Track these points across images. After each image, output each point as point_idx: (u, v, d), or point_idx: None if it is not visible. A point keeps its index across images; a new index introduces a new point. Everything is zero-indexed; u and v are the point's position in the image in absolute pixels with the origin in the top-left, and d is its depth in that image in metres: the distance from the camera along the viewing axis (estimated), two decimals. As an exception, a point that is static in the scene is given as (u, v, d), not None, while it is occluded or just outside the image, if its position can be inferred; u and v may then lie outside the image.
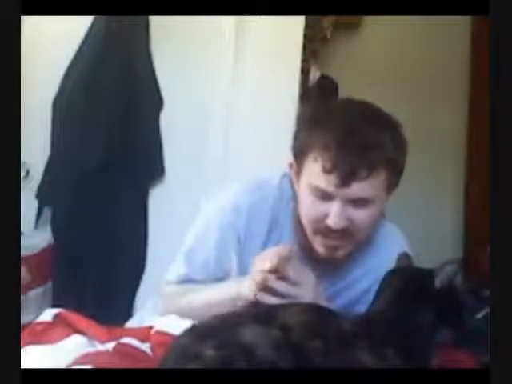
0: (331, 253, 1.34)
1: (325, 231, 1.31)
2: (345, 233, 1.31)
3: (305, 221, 1.35)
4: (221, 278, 1.42)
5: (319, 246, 1.34)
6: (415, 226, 3.07)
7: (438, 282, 1.07)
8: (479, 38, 3.20)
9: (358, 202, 1.28)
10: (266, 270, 1.25)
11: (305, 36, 2.41)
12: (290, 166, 1.39)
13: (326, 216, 1.29)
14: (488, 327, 0.97)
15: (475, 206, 3.23)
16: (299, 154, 1.33)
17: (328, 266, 1.41)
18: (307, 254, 1.39)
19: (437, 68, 3.29)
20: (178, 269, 1.47)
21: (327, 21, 3.06)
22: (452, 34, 3.28)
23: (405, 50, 3.30)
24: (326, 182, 1.26)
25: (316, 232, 1.33)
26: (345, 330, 1.02)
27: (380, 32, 3.27)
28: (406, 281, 1.11)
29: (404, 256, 1.21)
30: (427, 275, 1.09)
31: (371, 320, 1.07)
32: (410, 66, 3.29)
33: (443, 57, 3.28)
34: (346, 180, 1.24)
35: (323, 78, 2.97)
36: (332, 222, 1.28)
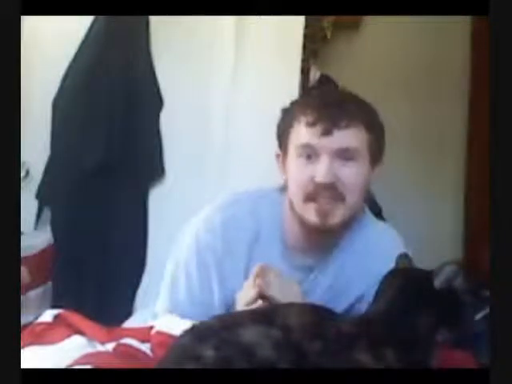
0: (324, 219, 1.35)
1: (315, 194, 1.34)
2: (334, 193, 1.33)
3: (295, 190, 1.37)
4: (205, 307, 1.39)
5: (311, 214, 1.35)
6: (415, 226, 3.08)
7: (437, 283, 1.07)
8: (479, 38, 3.20)
9: (343, 155, 1.33)
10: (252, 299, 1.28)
11: (305, 36, 2.41)
12: (277, 156, 1.44)
13: (314, 176, 1.33)
14: (488, 327, 0.97)
15: (475, 206, 3.23)
16: (284, 134, 1.40)
17: (322, 251, 1.42)
18: (299, 240, 1.41)
19: (437, 68, 3.28)
20: (162, 303, 1.46)
21: (327, 21, 3.05)
22: (452, 34, 3.28)
23: (405, 50, 3.30)
24: (310, 135, 1.34)
25: (307, 198, 1.35)
26: (345, 331, 1.02)
27: (380, 32, 3.26)
28: (406, 281, 1.11)
29: (404, 256, 1.21)
30: (427, 276, 1.09)
31: (371, 320, 1.07)
32: (409, 66, 3.29)
33: (443, 57, 3.28)
34: (328, 129, 1.32)
35: (323, 77, 2.97)
36: (320, 177, 1.32)
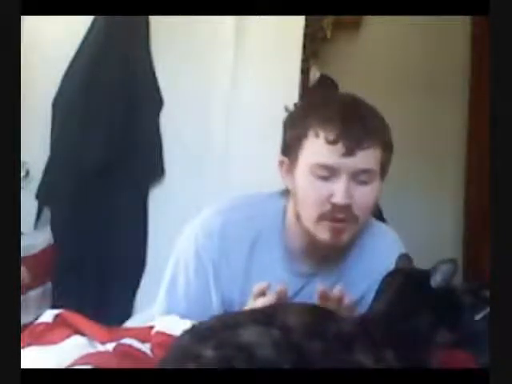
0: (336, 237, 1.32)
1: (330, 213, 1.30)
2: (349, 214, 1.30)
3: (307, 207, 1.32)
4: (203, 310, 1.37)
5: (324, 231, 1.32)
6: (415, 226, 3.08)
7: (434, 282, 1.07)
8: (479, 38, 3.20)
9: (361, 177, 1.29)
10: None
11: (305, 36, 2.41)
12: (281, 163, 1.38)
13: (330, 195, 1.29)
14: (488, 327, 0.97)
15: (475, 206, 3.23)
16: (294, 141, 1.33)
17: (325, 261, 1.41)
18: (304, 251, 1.40)
19: (437, 68, 3.29)
20: (160, 305, 1.44)
21: (327, 21, 3.06)
22: (452, 33, 3.29)
23: (405, 49, 3.30)
24: (330, 154, 1.27)
25: (321, 217, 1.31)
26: (345, 331, 1.02)
27: (380, 32, 3.27)
28: (406, 281, 1.11)
29: (404, 257, 1.20)
30: (427, 276, 1.09)
31: (371, 321, 1.07)
32: (409, 66, 3.29)
33: (443, 57, 3.28)
34: (351, 149, 1.26)
35: (323, 77, 2.97)
36: (339, 197, 1.28)
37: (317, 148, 1.29)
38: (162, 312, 1.43)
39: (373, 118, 1.32)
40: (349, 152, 1.27)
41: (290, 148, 1.35)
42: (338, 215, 1.30)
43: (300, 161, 1.33)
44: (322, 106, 1.33)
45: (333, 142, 1.27)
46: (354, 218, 1.32)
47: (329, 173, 1.29)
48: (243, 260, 1.40)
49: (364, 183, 1.30)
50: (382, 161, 1.33)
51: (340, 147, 1.26)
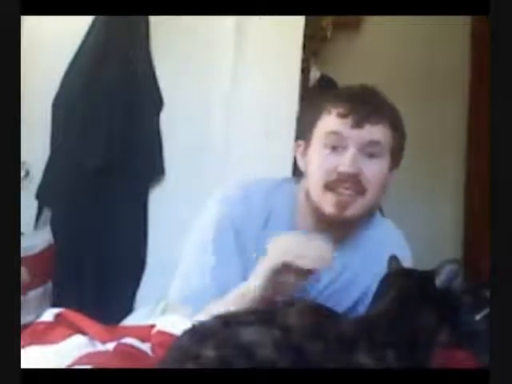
0: (341, 210, 1.35)
1: (336, 184, 1.34)
2: (356, 185, 1.34)
3: (315, 179, 1.36)
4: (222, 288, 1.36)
5: (329, 204, 1.35)
6: (415, 227, 3.08)
7: (437, 281, 1.07)
8: (479, 38, 3.20)
9: (369, 149, 1.34)
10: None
11: (305, 36, 2.41)
12: (297, 145, 1.45)
13: (338, 165, 1.34)
14: (488, 327, 0.97)
15: (475, 206, 3.23)
16: (310, 124, 1.40)
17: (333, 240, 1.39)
18: (312, 229, 1.40)
19: (437, 68, 3.29)
20: (175, 289, 1.43)
21: (327, 21, 3.06)
22: (452, 33, 3.28)
23: (405, 49, 3.30)
24: (341, 126, 1.34)
25: (326, 187, 1.35)
26: (345, 331, 1.02)
27: (380, 32, 3.27)
28: (406, 282, 1.11)
29: (394, 259, 1.20)
30: (427, 276, 1.09)
31: (371, 321, 1.07)
32: (409, 66, 3.29)
33: (443, 57, 3.28)
34: (359, 122, 1.33)
35: (323, 78, 2.97)
36: (344, 166, 1.33)
37: (330, 121, 1.36)
38: (178, 297, 1.41)
39: (383, 101, 1.40)
40: (357, 124, 1.33)
41: (306, 131, 1.42)
42: (344, 185, 1.33)
43: (313, 139, 1.39)
44: (334, 90, 1.42)
45: (343, 116, 1.34)
46: (361, 191, 1.35)
47: (338, 142, 1.34)
48: (256, 233, 1.40)
49: (372, 156, 1.35)
50: (393, 141, 1.38)
51: (349, 120, 1.34)
